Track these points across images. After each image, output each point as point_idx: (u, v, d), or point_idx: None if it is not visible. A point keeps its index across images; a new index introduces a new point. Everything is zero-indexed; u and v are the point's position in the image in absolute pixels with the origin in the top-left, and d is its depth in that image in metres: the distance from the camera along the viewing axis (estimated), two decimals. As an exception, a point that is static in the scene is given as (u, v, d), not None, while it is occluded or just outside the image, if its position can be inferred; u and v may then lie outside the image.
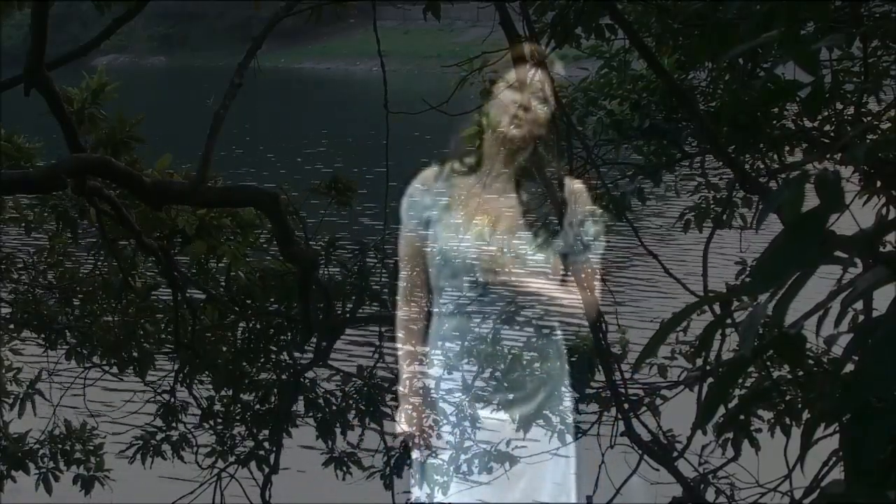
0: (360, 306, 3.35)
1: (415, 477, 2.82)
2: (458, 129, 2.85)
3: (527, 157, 2.74)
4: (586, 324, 2.82)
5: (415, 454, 2.83)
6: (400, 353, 2.88)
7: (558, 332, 2.85)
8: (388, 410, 3.42)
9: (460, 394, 2.74)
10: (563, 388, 2.86)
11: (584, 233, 2.73)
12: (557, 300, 2.78)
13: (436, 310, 2.81)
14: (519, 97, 2.70)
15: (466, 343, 2.74)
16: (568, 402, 2.89)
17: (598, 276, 2.80)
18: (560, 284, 2.76)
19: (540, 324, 2.82)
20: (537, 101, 2.71)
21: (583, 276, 2.74)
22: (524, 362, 2.77)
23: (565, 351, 2.96)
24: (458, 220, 2.75)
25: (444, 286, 2.76)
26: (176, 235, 3.17)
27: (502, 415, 2.75)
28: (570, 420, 2.87)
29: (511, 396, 2.76)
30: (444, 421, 2.76)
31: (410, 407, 2.80)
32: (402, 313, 2.87)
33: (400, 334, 2.87)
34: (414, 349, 2.83)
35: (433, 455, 2.75)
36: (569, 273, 2.75)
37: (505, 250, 2.71)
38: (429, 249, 2.78)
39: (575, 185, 2.78)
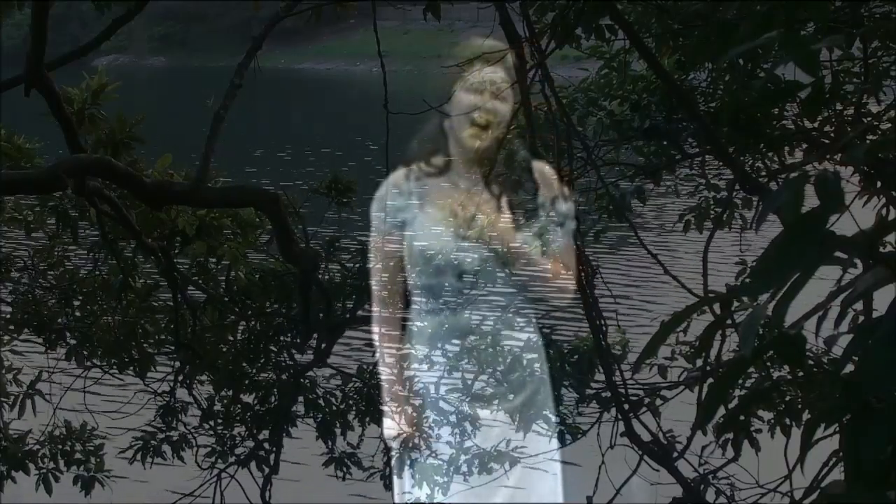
0: (360, 306, 3.35)
1: (414, 477, 2.82)
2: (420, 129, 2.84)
3: (497, 148, 2.72)
4: (585, 322, 2.82)
5: (397, 454, 2.82)
6: (387, 354, 2.86)
7: (533, 322, 2.83)
8: (387, 411, 3.41)
9: (440, 392, 2.73)
10: (549, 388, 2.85)
11: (565, 217, 2.72)
12: (551, 295, 2.77)
13: (420, 310, 2.80)
14: (483, 94, 2.70)
15: (445, 340, 2.73)
16: (551, 402, 2.87)
17: (585, 259, 2.79)
18: (551, 274, 2.75)
19: (540, 324, 2.82)
20: (501, 94, 2.70)
21: (571, 257, 2.73)
22: (523, 362, 2.76)
23: (556, 345, 2.95)
24: (439, 218, 2.74)
25: (428, 285, 2.75)
26: (176, 236, 3.17)
27: (494, 414, 2.74)
28: (555, 420, 2.86)
29: (504, 395, 2.75)
30: (441, 420, 2.76)
31: (400, 407, 2.79)
32: (389, 314, 2.85)
33: (387, 335, 2.86)
34: (399, 350, 2.82)
35: (427, 455, 2.74)
36: (559, 261, 2.74)
37: (495, 246, 2.70)
38: (411, 250, 2.76)
39: (546, 169, 2.76)
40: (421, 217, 2.75)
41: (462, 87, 2.74)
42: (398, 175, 2.81)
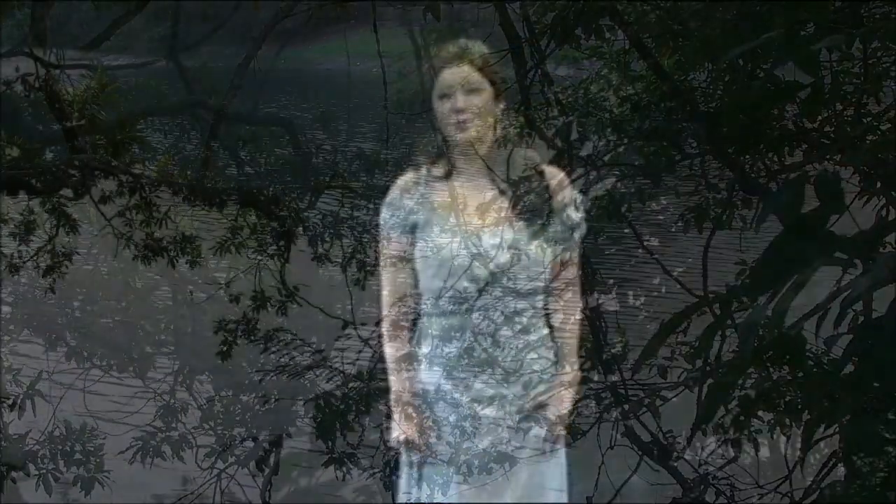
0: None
1: (415, 477, 2.81)
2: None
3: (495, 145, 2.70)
4: (585, 321, 2.81)
5: (397, 454, 2.82)
6: (388, 354, 2.86)
7: (533, 322, 2.82)
8: (387, 411, 3.41)
9: (441, 392, 2.73)
10: (550, 388, 2.84)
11: (572, 220, 2.71)
12: (552, 295, 2.77)
13: (421, 310, 2.79)
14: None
15: (447, 340, 2.73)
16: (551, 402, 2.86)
17: (586, 259, 2.78)
18: (552, 274, 2.74)
19: (538, 322, 2.81)
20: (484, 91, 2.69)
21: (572, 257, 2.73)
22: (523, 362, 2.76)
23: (561, 347, 2.94)
24: (445, 221, 2.73)
25: (434, 287, 2.74)
26: (176, 235, 3.18)
27: (494, 415, 2.73)
28: (560, 421, 2.85)
29: (505, 396, 2.75)
30: (441, 421, 2.75)
31: (400, 407, 2.79)
32: (391, 315, 2.84)
33: (389, 336, 2.85)
34: (401, 350, 2.81)
35: (427, 455, 2.74)
36: (560, 261, 2.73)
37: (496, 247, 2.69)
38: (417, 252, 2.75)
39: (552, 171, 2.75)
40: (426, 219, 2.74)
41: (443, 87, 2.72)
42: (403, 178, 2.80)
